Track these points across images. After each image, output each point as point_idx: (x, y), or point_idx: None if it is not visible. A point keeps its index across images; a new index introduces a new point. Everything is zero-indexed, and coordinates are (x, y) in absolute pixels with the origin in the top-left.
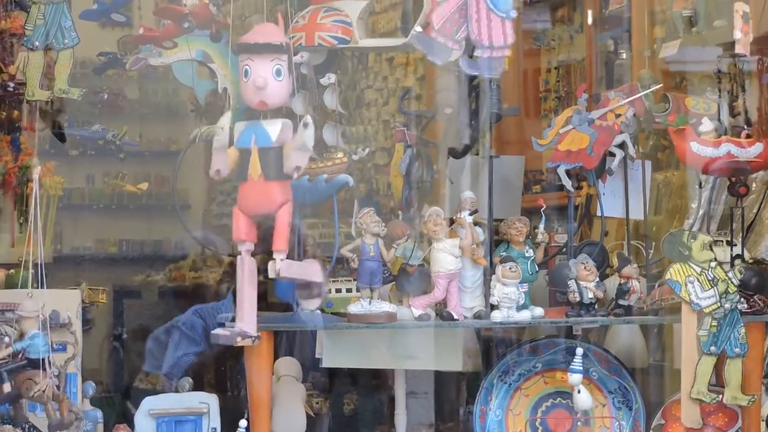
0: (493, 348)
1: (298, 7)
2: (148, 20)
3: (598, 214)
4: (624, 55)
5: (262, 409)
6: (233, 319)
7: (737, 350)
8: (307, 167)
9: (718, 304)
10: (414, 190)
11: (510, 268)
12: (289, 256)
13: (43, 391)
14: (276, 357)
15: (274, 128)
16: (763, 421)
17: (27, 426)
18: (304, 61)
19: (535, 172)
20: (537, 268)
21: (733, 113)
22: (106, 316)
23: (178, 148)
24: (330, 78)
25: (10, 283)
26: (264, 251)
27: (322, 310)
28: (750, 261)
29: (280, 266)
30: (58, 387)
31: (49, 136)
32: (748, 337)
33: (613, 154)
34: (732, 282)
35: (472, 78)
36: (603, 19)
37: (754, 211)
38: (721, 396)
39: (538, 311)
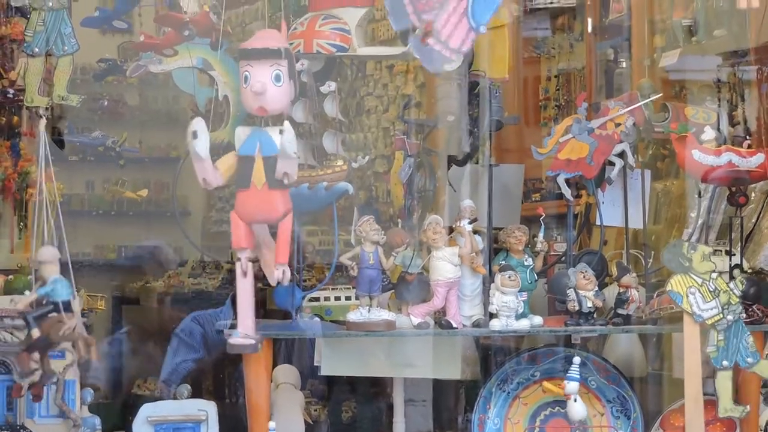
0: (492, 356)
1: (297, 14)
2: (149, 27)
3: (598, 223)
4: (624, 64)
5: (260, 417)
6: (232, 326)
7: (750, 360)
8: (297, 174)
9: (721, 315)
10: (415, 198)
11: (509, 277)
12: (289, 263)
13: (73, 330)
14: (274, 365)
15: (278, 136)
16: (761, 429)
17: None
18: (304, 69)
19: (535, 181)
20: (536, 277)
21: (732, 122)
22: (105, 322)
23: (177, 155)
24: (330, 86)
25: (9, 289)
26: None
27: (322, 318)
28: (749, 271)
29: (281, 277)
30: (85, 326)
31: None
32: None
33: (612, 163)
34: (734, 293)
35: (473, 86)
36: (603, 27)
37: (753, 220)
38: (749, 406)
39: (537, 320)
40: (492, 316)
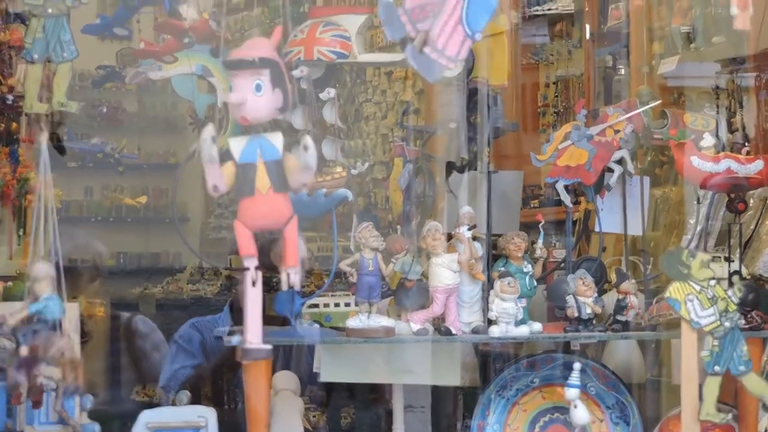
0: (491, 363)
1: (297, 21)
2: (147, 34)
3: (597, 229)
4: (622, 71)
5: (260, 424)
6: (230, 333)
7: (742, 368)
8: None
9: (718, 322)
10: (414, 205)
11: (508, 284)
12: None
13: (63, 353)
14: (273, 371)
15: (279, 140)
16: None
17: None
18: (304, 76)
19: (533, 187)
20: (535, 284)
21: (731, 129)
22: (104, 328)
23: (176, 161)
24: (329, 93)
25: (8, 296)
26: (260, 264)
27: (321, 324)
28: (747, 277)
29: (294, 281)
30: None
31: (48, 148)
32: None
33: (611, 170)
34: (732, 300)
35: (472, 93)
36: (602, 34)
37: (752, 227)
38: (731, 414)
39: (537, 326)
40: (491, 322)
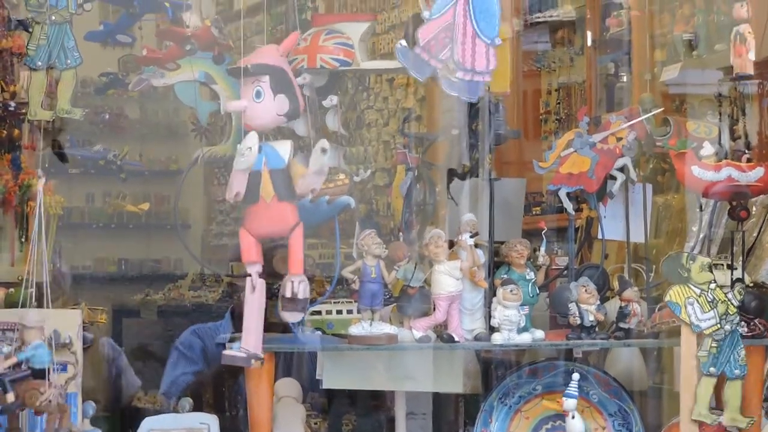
0: (493, 370)
1: (300, 29)
2: (149, 41)
3: (599, 236)
4: (624, 78)
5: (262, 430)
6: (231, 340)
7: (737, 372)
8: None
9: (718, 325)
10: (414, 212)
11: (511, 291)
12: None
13: (49, 401)
14: (275, 378)
15: (284, 149)
16: None
17: None
18: (307, 83)
19: (535, 194)
20: (538, 291)
21: (733, 137)
22: (105, 335)
23: (178, 168)
24: (332, 100)
25: (9, 302)
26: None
27: (323, 332)
28: (750, 285)
29: (299, 289)
30: (61, 397)
31: (49, 155)
32: (747, 360)
33: (614, 178)
34: (731, 303)
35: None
36: (604, 41)
37: (755, 234)
38: (721, 417)
39: (539, 334)
40: (493, 329)
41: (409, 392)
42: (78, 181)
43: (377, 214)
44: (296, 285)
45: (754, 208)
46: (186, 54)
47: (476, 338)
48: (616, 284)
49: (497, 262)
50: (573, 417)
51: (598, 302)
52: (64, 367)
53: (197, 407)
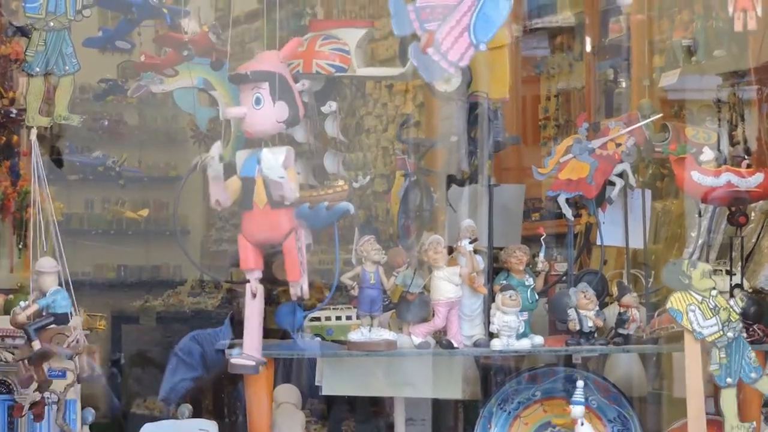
0: (492, 376)
1: (296, 34)
2: (148, 47)
3: (598, 242)
4: (623, 84)
5: None
6: (231, 346)
7: (753, 375)
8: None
9: (721, 332)
10: (411, 218)
11: (510, 297)
12: None
13: (77, 341)
14: (274, 384)
15: (280, 156)
16: None
17: None
18: (305, 89)
19: (534, 200)
20: (537, 297)
21: (732, 142)
22: (104, 341)
23: (177, 174)
24: (331, 106)
25: (9, 309)
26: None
27: (323, 338)
28: (749, 290)
29: (299, 294)
30: (87, 337)
31: (48, 162)
32: None
33: (613, 183)
34: (734, 310)
35: (473, 107)
36: (603, 47)
37: (753, 240)
38: (755, 423)
39: (538, 340)
40: (493, 335)
41: (408, 398)
42: (77, 188)
43: (376, 220)
44: (297, 290)
45: (752, 214)
46: (183, 60)
47: (475, 344)
48: (615, 290)
49: (496, 268)
50: (582, 424)
51: (597, 308)
52: (63, 374)
53: (196, 413)
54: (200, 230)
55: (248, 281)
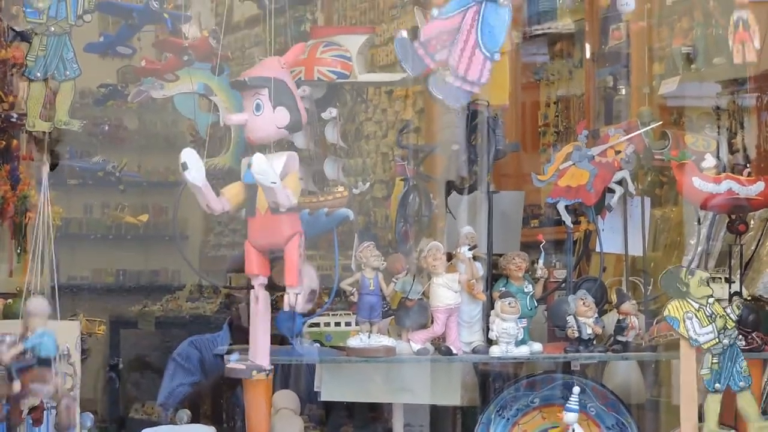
0: (491, 382)
1: (297, 40)
2: (149, 52)
3: (597, 249)
4: (623, 91)
5: None
6: (229, 351)
7: (742, 384)
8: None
9: (717, 340)
10: (409, 224)
11: (509, 304)
12: None
13: (57, 390)
14: (273, 390)
15: (279, 162)
16: None
17: None
18: (306, 95)
19: (533, 207)
20: (536, 304)
21: (731, 150)
22: (103, 346)
23: (176, 179)
24: (331, 112)
25: (7, 313)
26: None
27: (322, 344)
28: (748, 298)
29: (294, 302)
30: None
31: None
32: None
33: (612, 191)
34: (730, 317)
35: (473, 114)
36: (602, 54)
37: (753, 248)
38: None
39: (537, 346)
40: (491, 342)
41: (406, 404)
42: (76, 192)
43: (376, 226)
44: (291, 297)
45: (752, 222)
46: (184, 65)
47: (474, 351)
48: (614, 297)
49: (495, 275)
50: (573, 430)
51: (596, 315)
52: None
53: (195, 418)
54: (199, 235)
55: (247, 287)
